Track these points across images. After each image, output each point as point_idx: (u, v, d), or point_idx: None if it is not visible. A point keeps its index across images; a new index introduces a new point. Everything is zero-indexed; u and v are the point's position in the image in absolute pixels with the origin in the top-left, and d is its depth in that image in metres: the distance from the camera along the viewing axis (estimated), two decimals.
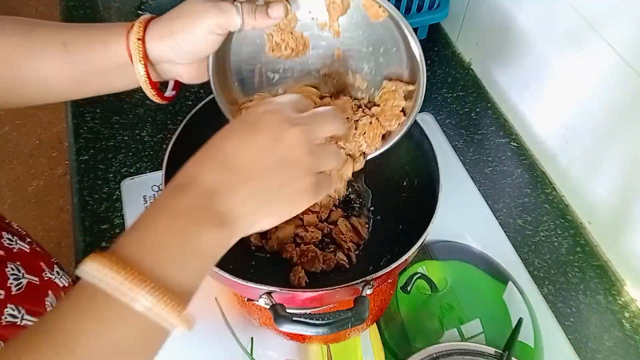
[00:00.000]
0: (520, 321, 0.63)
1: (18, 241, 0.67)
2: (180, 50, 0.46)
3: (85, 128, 0.86)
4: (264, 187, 0.37)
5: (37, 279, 0.65)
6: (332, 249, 0.65)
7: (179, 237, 0.34)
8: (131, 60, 0.46)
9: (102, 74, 0.48)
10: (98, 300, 0.31)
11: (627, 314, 0.70)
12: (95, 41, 0.47)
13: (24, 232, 0.74)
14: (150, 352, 0.35)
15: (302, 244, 0.63)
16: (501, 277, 0.70)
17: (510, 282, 0.69)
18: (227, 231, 0.36)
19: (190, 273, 0.34)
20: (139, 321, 0.32)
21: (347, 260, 0.62)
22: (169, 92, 0.52)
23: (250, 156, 0.36)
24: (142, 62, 0.46)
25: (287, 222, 0.66)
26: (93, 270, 0.31)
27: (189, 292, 0.34)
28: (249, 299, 0.60)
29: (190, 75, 0.50)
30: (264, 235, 0.65)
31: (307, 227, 0.65)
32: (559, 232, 0.77)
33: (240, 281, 0.51)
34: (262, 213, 0.37)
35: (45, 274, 0.68)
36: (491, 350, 0.60)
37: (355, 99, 0.54)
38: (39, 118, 2.08)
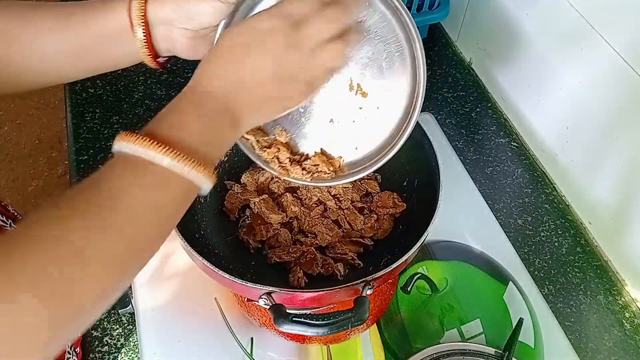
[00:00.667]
0: (520, 321, 0.63)
1: (12, 225, 0.67)
2: (183, 14, 0.46)
3: (84, 128, 0.86)
4: (266, 102, 0.43)
5: None
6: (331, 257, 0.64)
7: (205, 124, 0.40)
8: (131, 24, 0.46)
9: (105, 44, 0.48)
10: (135, 166, 0.36)
11: (627, 314, 0.69)
12: (97, 8, 0.47)
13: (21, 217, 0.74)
14: (181, 207, 0.39)
15: (304, 246, 0.63)
16: (501, 277, 0.70)
17: (510, 282, 0.69)
18: (237, 130, 0.42)
19: (211, 147, 0.40)
20: (172, 179, 0.37)
21: (342, 272, 0.62)
22: (162, 58, 0.51)
23: (257, 75, 0.41)
24: (142, 22, 0.46)
25: (283, 225, 0.65)
26: (124, 142, 0.37)
27: (210, 160, 0.40)
28: (248, 299, 0.60)
29: (185, 46, 0.49)
30: (262, 241, 0.65)
31: (307, 234, 0.65)
32: (560, 232, 0.77)
33: (240, 281, 0.50)
34: (262, 118, 0.45)
35: None
36: (491, 350, 0.60)
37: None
38: (39, 118, 2.08)
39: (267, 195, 0.66)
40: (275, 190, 0.67)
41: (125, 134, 0.37)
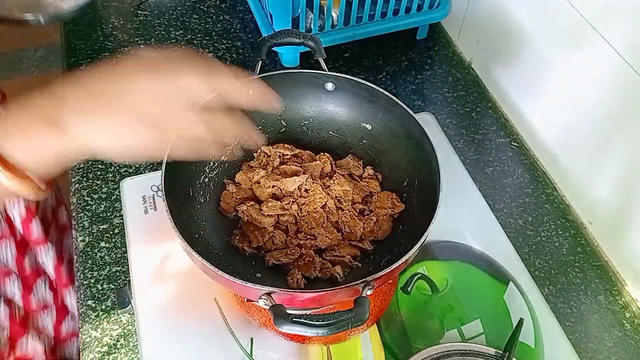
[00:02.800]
0: (520, 322, 0.63)
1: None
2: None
3: None
4: (106, 122, 0.40)
5: None
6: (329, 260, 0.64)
7: (22, 125, 0.39)
8: None
9: None
10: None
11: (627, 314, 0.69)
12: None
13: None
14: None
15: (303, 248, 0.63)
16: (502, 277, 0.70)
17: (510, 283, 0.69)
18: (60, 139, 0.40)
19: (26, 155, 0.39)
20: None
21: (341, 275, 0.61)
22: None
23: (108, 91, 0.40)
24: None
25: (276, 227, 0.65)
26: None
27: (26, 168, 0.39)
28: (248, 300, 0.60)
29: None
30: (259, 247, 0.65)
31: (307, 235, 0.64)
32: (560, 232, 0.77)
33: (240, 282, 0.50)
34: (100, 140, 0.41)
35: None
36: (492, 350, 0.60)
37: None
38: None
39: (253, 202, 0.65)
40: (259, 195, 0.66)
41: None
